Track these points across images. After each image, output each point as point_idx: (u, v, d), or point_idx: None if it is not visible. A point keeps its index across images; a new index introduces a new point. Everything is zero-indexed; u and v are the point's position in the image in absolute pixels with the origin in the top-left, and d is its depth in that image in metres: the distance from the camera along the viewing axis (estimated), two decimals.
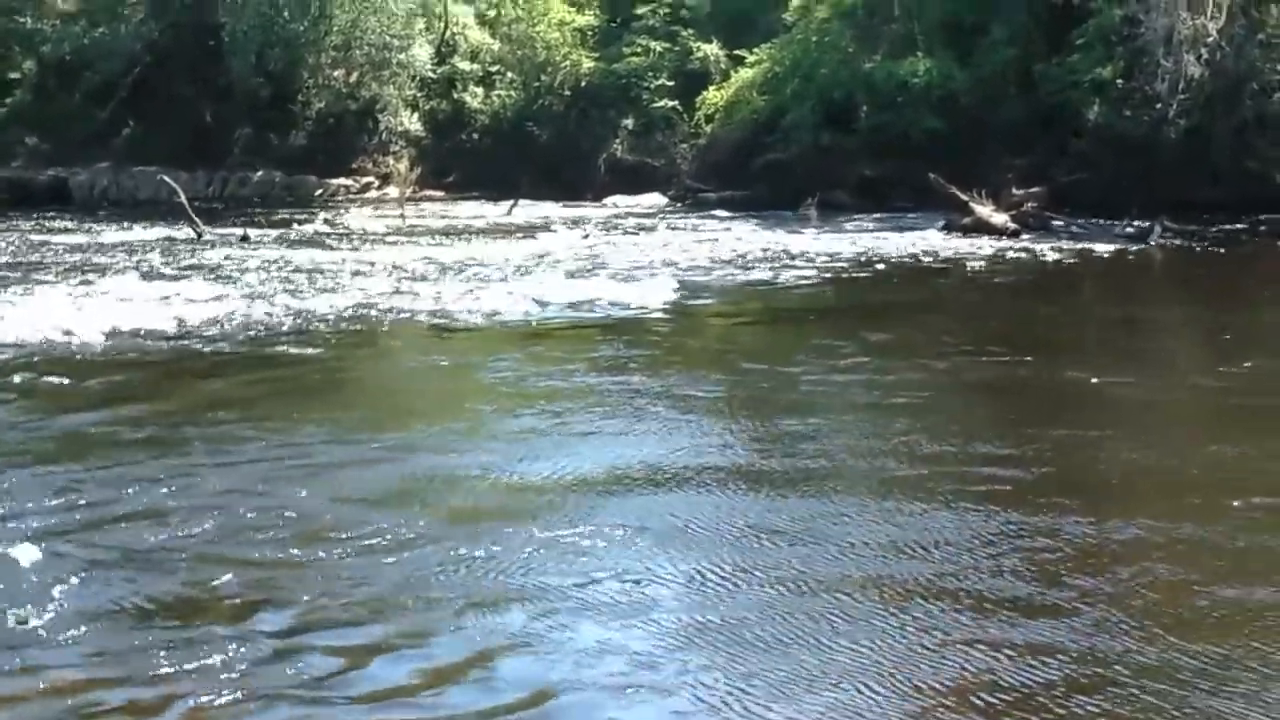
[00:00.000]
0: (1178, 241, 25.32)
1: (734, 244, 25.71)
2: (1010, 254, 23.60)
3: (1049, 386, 11.80)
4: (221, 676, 5.53)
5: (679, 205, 38.36)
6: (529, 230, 29.38)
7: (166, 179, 33.77)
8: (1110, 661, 5.61)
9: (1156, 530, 7.31)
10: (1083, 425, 9.97)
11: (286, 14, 41.47)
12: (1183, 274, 22.12)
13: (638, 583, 6.63)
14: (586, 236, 27.68)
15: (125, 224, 30.08)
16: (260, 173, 40.91)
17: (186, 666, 5.63)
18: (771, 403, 11.04)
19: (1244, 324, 16.05)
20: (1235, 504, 7.70)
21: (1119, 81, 31.39)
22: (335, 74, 43.49)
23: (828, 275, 20.53)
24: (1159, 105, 30.52)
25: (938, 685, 5.45)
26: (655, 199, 39.28)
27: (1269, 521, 7.43)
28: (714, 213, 34.95)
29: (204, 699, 5.36)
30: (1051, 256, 23.19)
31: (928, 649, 5.78)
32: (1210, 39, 30.22)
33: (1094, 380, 11.76)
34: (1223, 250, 24.20)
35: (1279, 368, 12.78)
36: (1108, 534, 7.25)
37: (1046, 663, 5.61)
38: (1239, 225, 27.41)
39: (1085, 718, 5.17)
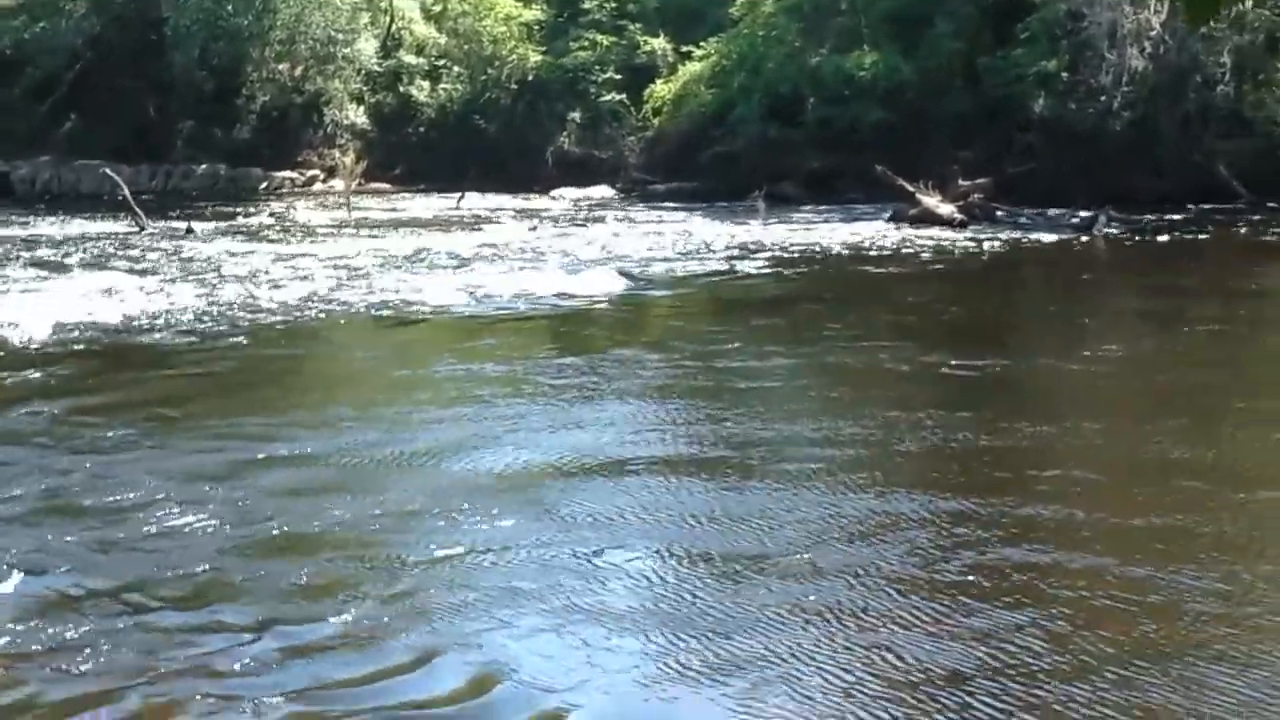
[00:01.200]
0: (1122, 231, 25.47)
1: (682, 236, 25.70)
2: (956, 244, 23.69)
3: (976, 375, 11.93)
4: (159, 670, 5.47)
5: (627, 197, 38.31)
6: (476, 223, 29.27)
7: (109, 172, 33.43)
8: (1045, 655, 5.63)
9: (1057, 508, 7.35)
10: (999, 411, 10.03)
11: (230, 7, 41.11)
12: (1121, 264, 22.26)
13: (581, 571, 6.61)
14: (534, 229, 27.60)
15: (68, 218, 29.74)
16: (204, 166, 40.57)
17: (124, 660, 5.57)
18: (715, 392, 11.05)
19: (1152, 310, 16.25)
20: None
21: (1064, 74, 31.54)
22: (280, 67, 43.17)
23: (774, 267, 20.54)
24: (1103, 97, 30.70)
25: (879, 669, 5.46)
26: (603, 191, 39.24)
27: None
28: (662, 205, 34.95)
29: (142, 692, 5.30)
30: (996, 247, 23.32)
31: (863, 631, 5.79)
32: (1153, 32, 30.46)
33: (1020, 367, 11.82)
34: (1166, 240, 24.37)
35: (1153, 351, 13.11)
36: (1032, 517, 7.29)
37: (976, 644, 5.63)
38: (1183, 215, 27.62)
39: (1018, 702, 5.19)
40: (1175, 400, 10.71)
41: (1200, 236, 24.98)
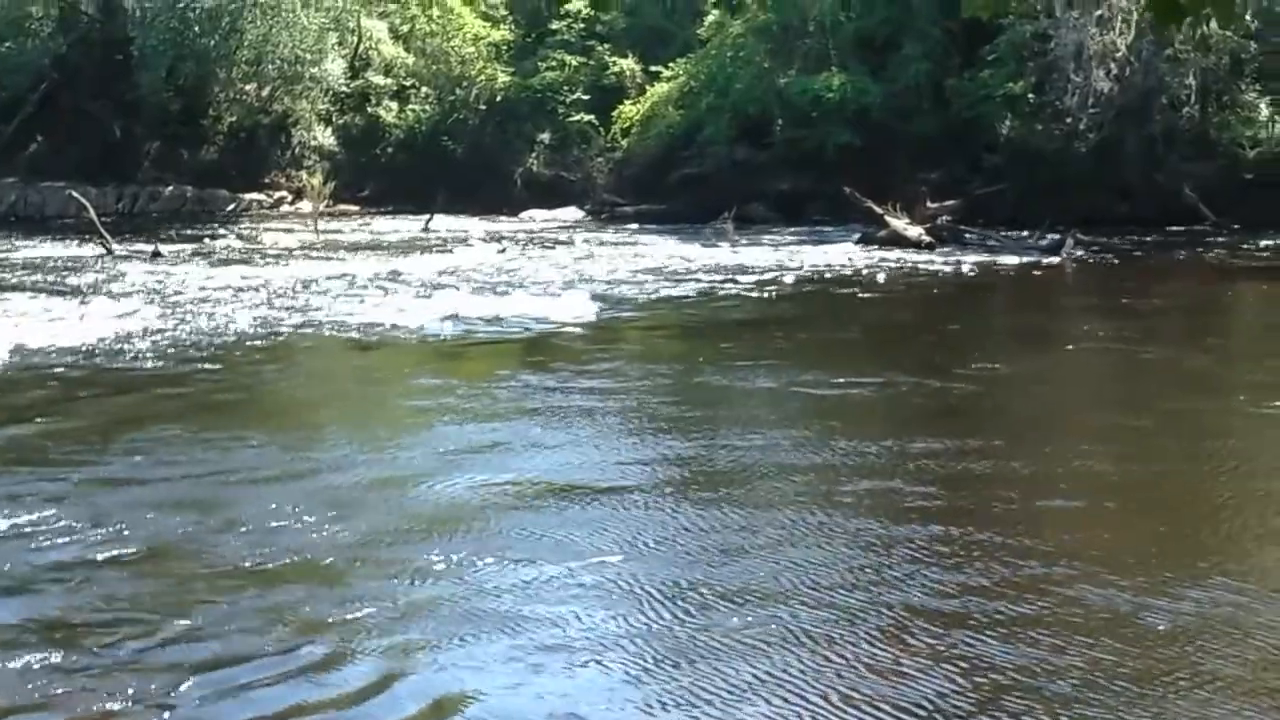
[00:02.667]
0: (1089, 254, 25.59)
1: (651, 258, 25.70)
2: (923, 267, 23.75)
3: (939, 397, 12.00)
4: (112, 703, 5.41)
5: (596, 219, 38.32)
6: (445, 245, 29.21)
7: (75, 194, 33.19)
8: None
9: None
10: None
11: (197, 28, 40.99)
12: (1086, 287, 22.41)
13: (545, 597, 6.56)
14: (503, 251, 27.55)
15: (33, 240, 29.56)
16: (171, 187, 40.38)
17: (87, 685, 5.52)
18: (683, 417, 11.03)
19: (1096, 332, 16.40)
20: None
21: (1030, 96, 31.75)
22: (247, 88, 43.05)
23: (743, 290, 20.54)
24: (1070, 119, 30.92)
25: (856, 694, 5.43)
26: (572, 213, 39.24)
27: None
28: (631, 227, 34.97)
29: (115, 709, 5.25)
30: (963, 270, 23.38)
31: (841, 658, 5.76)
32: (1119, 54, 30.68)
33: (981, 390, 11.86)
34: (1131, 263, 24.53)
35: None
36: (1014, 546, 7.29)
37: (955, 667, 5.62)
38: (1149, 238, 27.77)
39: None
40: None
41: (1172, 257, 25.14)
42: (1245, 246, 26.45)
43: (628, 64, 43.17)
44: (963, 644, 5.91)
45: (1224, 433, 10.54)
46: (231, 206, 40.72)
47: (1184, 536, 7.64)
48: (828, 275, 22.58)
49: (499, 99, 43.59)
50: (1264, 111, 30.95)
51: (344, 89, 43.93)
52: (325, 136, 43.57)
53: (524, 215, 38.67)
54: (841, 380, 12.46)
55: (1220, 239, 27.74)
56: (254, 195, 41.71)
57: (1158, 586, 6.57)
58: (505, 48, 44.95)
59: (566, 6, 44.19)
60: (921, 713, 5.32)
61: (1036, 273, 23.39)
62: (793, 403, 11.62)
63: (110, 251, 26.54)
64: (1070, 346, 15.61)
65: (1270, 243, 26.82)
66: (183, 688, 5.55)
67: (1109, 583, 6.62)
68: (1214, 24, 28.25)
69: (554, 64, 43.68)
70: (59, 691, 5.51)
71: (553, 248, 28.63)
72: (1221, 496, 8.60)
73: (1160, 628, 6.07)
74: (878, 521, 7.76)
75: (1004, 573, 6.81)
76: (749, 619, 6.23)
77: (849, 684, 5.55)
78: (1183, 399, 11.98)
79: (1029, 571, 6.85)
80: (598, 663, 5.79)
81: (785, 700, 5.40)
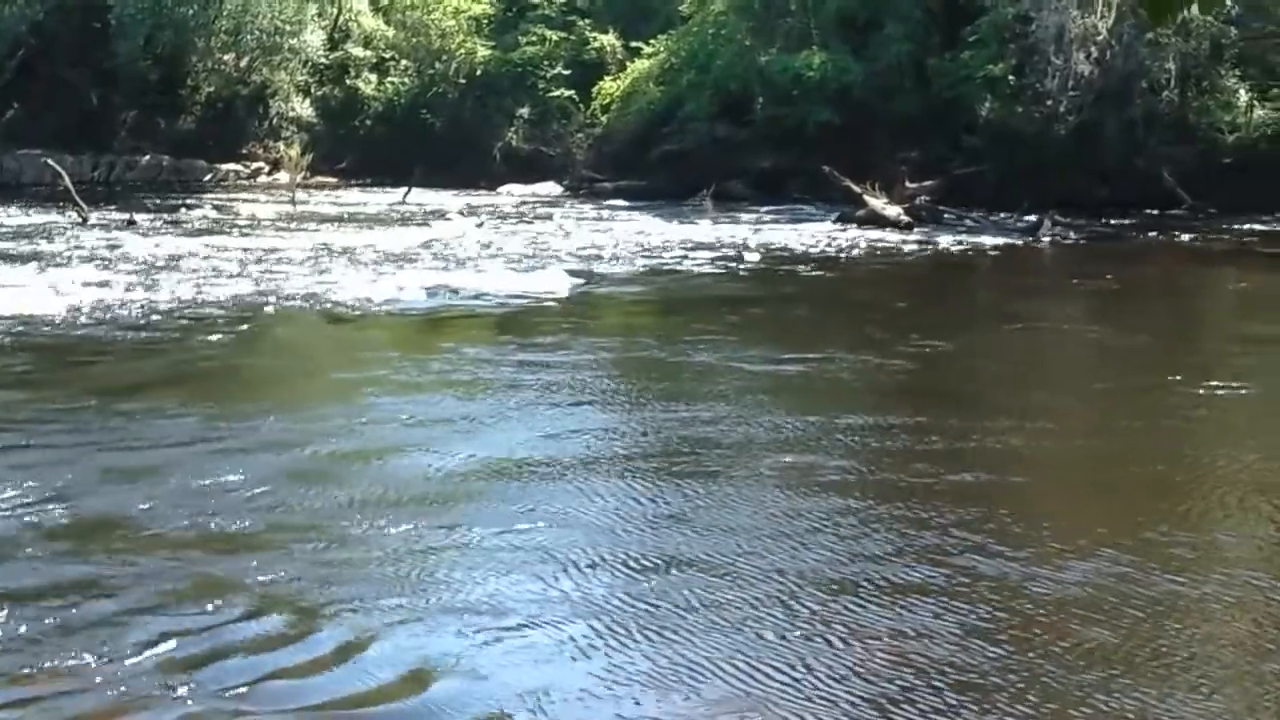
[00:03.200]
0: (1066, 236, 25.63)
1: (629, 234, 25.66)
2: (898, 247, 23.76)
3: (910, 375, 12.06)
4: (88, 669, 5.37)
5: (575, 195, 38.24)
6: (423, 218, 29.13)
7: (51, 162, 32.99)
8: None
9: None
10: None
11: None
12: (1054, 268, 22.51)
13: (525, 572, 6.55)
14: (481, 225, 27.48)
15: (7, 207, 29.36)
16: (148, 156, 40.16)
17: (66, 654, 5.48)
18: (661, 391, 11.03)
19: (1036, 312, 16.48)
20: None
21: (1011, 78, 31.72)
22: (225, 58, 42.76)
23: (721, 267, 20.54)
24: (1050, 102, 30.91)
25: (826, 670, 5.43)
26: (551, 188, 39.15)
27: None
28: (610, 203, 34.90)
29: (79, 684, 5.23)
30: (937, 250, 23.40)
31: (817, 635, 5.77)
32: (1100, 37, 30.67)
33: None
34: (1106, 245, 24.60)
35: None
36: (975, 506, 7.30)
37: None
38: (1127, 220, 27.83)
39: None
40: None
41: (1147, 240, 25.24)
42: (1221, 230, 26.53)
43: (609, 40, 43.06)
44: (846, 610, 6.06)
45: (1145, 412, 10.63)
46: (208, 177, 40.53)
47: (1080, 511, 7.83)
48: (801, 254, 22.57)
49: (479, 73, 43.45)
50: (1243, 97, 30.99)
51: (323, 61, 43.72)
52: (304, 108, 43.37)
53: (502, 190, 38.57)
54: (782, 357, 12.63)
55: (1197, 222, 27.81)
56: (231, 166, 41.53)
57: (1047, 558, 6.75)
58: (485, 21, 44.79)
59: None
60: (798, 674, 5.40)
61: (1011, 254, 23.46)
62: (730, 378, 11.63)
63: (85, 220, 26.40)
64: (1019, 326, 15.65)
65: (1246, 226, 26.91)
66: (155, 653, 5.53)
67: (1000, 553, 6.80)
68: (1195, 9, 28.33)
69: (534, 39, 43.54)
70: (30, 649, 5.50)
71: (531, 223, 28.57)
72: (1124, 474, 8.79)
73: (1045, 596, 6.24)
74: (784, 494, 7.86)
75: (899, 543, 6.97)
76: (742, 595, 6.25)
77: (731, 647, 5.62)
78: (1115, 378, 12.21)
79: (923, 542, 7.00)
80: (582, 637, 5.79)
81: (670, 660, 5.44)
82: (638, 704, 5.19)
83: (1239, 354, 13.78)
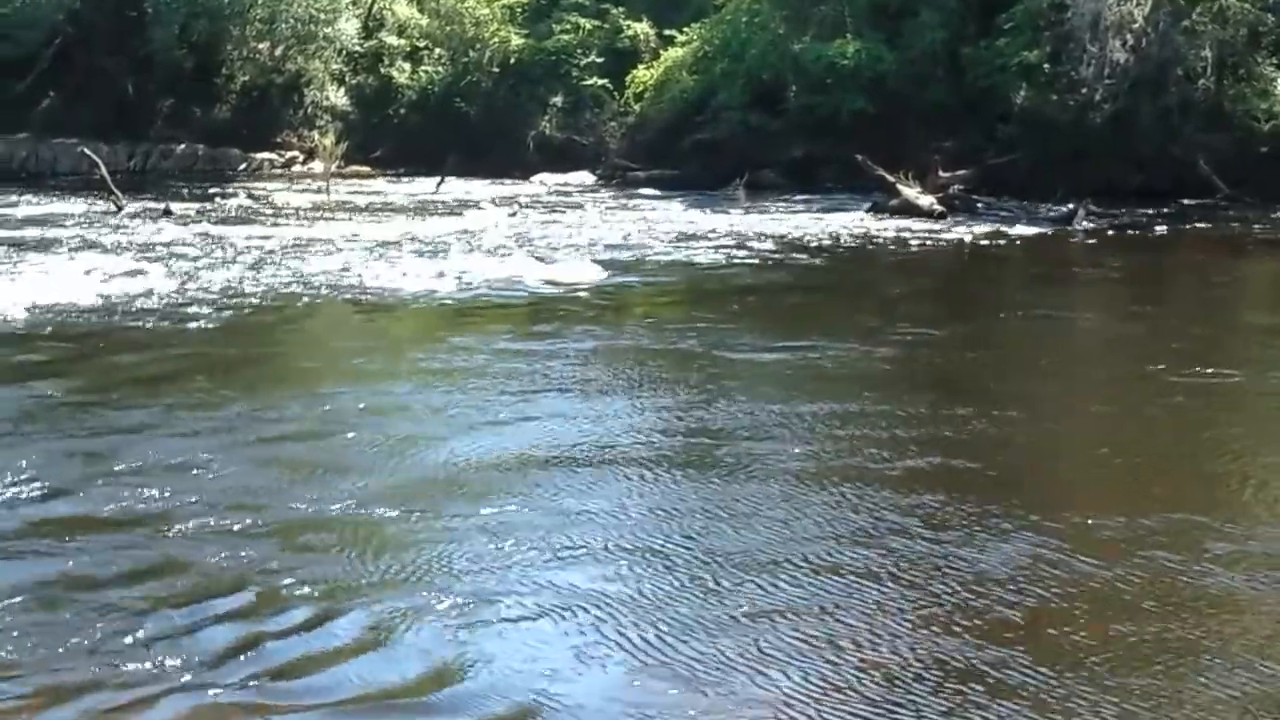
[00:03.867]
0: (1102, 225, 25.49)
1: (662, 223, 25.65)
2: (935, 237, 23.68)
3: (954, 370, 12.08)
4: (108, 658, 5.43)
5: (608, 184, 38.20)
6: (456, 207, 29.17)
7: (87, 151, 33.22)
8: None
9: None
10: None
11: None
12: (1081, 258, 22.37)
13: (556, 562, 6.57)
14: (514, 214, 27.51)
15: (44, 197, 29.55)
16: (183, 145, 40.34)
17: (87, 644, 5.53)
18: (692, 384, 11.00)
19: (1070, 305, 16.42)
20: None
21: (1046, 66, 31.53)
22: (260, 47, 42.91)
23: (753, 256, 20.51)
24: (1085, 90, 30.71)
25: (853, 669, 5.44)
26: (584, 177, 39.12)
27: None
28: (642, 192, 34.86)
29: (91, 681, 5.27)
30: (975, 239, 23.30)
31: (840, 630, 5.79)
32: (1136, 25, 30.47)
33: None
34: (1139, 234, 24.48)
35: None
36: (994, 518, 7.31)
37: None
38: (1162, 210, 27.66)
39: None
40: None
41: (1182, 229, 25.13)
42: (1258, 219, 26.33)
43: (642, 28, 43.01)
44: (765, 588, 6.24)
45: (1114, 398, 10.86)
46: (243, 166, 40.71)
47: (1011, 494, 7.87)
48: (832, 244, 22.50)
49: (512, 61, 43.45)
50: (1279, 85, 30.77)
51: (357, 49, 43.80)
52: (338, 97, 43.47)
53: (535, 179, 38.56)
54: (772, 345, 12.72)
55: (1233, 211, 27.61)
56: (266, 155, 41.69)
57: (971, 538, 6.97)
58: (519, 10, 44.79)
59: None
60: (821, 667, 5.44)
61: (1044, 243, 23.33)
62: (753, 369, 11.74)
63: (121, 209, 26.57)
64: (1020, 314, 15.76)
65: None
66: (176, 642, 5.58)
67: (926, 536, 6.99)
68: None
69: (568, 27, 43.52)
70: (54, 640, 5.55)
71: (563, 212, 28.58)
72: (1064, 460, 9.05)
73: (967, 574, 6.46)
74: (739, 483, 7.93)
75: (831, 527, 7.12)
76: (766, 590, 6.27)
77: (747, 640, 5.66)
78: (1099, 366, 12.42)
79: (856, 524, 7.20)
80: (611, 630, 5.81)
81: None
82: (656, 695, 5.21)
83: (1240, 344, 13.65)
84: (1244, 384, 11.32)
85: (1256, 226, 25.47)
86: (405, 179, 38.17)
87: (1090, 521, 7.22)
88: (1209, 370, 11.45)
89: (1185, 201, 28.72)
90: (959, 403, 10.15)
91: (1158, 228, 25.41)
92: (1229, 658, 5.52)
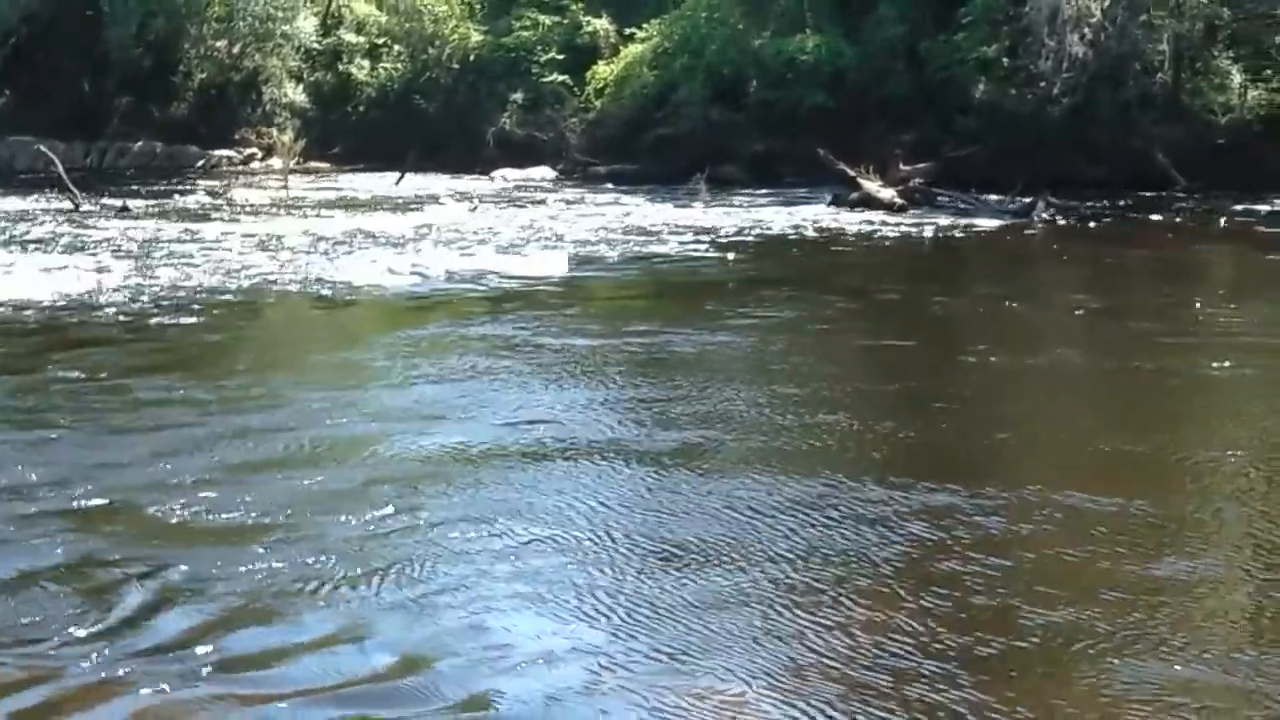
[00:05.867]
0: (1060, 217, 25.61)
1: (623, 218, 25.62)
2: (894, 229, 23.73)
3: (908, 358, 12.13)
4: (83, 647, 5.39)
5: (569, 179, 38.16)
6: (416, 203, 29.07)
7: (43, 149, 32.91)
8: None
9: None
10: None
11: None
12: (1033, 248, 22.59)
13: (520, 554, 6.55)
14: (475, 209, 27.44)
15: (1, 195, 29.29)
16: (140, 143, 40.14)
17: (47, 637, 5.49)
18: (654, 375, 11.01)
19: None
20: None
21: (1004, 59, 31.68)
22: (218, 44, 42.73)
23: (715, 250, 20.51)
24: (1043, 83, 30.87)
25: (824, 656, 5.45)
26: (545, 173, 39.05)
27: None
28: (603, 187, 34.82)
29: (60, 665, 5.25)
30: (934, 232, 23.35)
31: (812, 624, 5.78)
32: (1094, 19, 30.63)
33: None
34: (1097, 225, 24.62)
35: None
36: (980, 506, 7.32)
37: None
38: (1121, 201, 27.81)
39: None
40: None
41: (1139, 220, 25.25)
42: (1213, 211, 26.49)
43: (602, 24, 42.92)
44: (724, 576, 6.28)
45: (1009, 377, 11.23)
46: (201, 163, 40.52)
47: (925, 454, 8.35)
48: (794, 237, 22.55)
49: (472, 58, 43.34)
50: (1236, 78, 30.92)
51: (315, 46, 43.68)
52: (296, 94, 43.32)
53: (496, 174, 38.45)
54: (734, 337, 12.83)
55: (1189, 204, 27.79)
56: (224, 152, 41.52)
57: (892, 493, 7.45)
58: (479, 6, 44.69)
59: None
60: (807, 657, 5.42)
61: (1003, 235, 23.41)
62: (715, 359, 11.76)
63: (78, 206, 26.39)
64: (992, 303, 15.83)
65: (1240, 207, 26.89)
66: (144, 634, 5.56)
67: (850, 487, 7.54)
68: None
69: (528, 23, 43.39)
70: (10, 634, 5.50)
71: (524, 207, 28.51)
72: (972, 428, 9.33)
73: (888, 523, 6.98)
74: (696, 473, 7.97)
75: (787, 514, 7.19)
76: (727, 580, 6.28)
77: (724, 630, 5.67)
78: (995, 352, 12.27)
79: (810, 508, 7.32)
80: (569, 622, 5.79)
81: None
82: (617, 683, 5.20)
83: (1172, 333, 13.64)
84: (1159, 372, 11.41)
85: (1211, 218, 25.61)
86: (365, 175, 38.01)
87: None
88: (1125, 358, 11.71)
89: (1143, 194, 28.89)
90: (915, 394, 10.24)
91: (1116, 219, 25.54)
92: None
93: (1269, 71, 30.76)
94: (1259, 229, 23.95)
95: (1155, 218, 25.71)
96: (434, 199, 29.92)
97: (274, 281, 16.27)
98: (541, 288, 16.30)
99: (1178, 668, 5.27)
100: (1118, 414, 10.00)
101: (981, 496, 7.39)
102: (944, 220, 25.12)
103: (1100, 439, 8.97)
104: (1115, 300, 16.04)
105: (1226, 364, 11.39)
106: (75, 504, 7.18)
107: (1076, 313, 15.05)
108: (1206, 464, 8.28)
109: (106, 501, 7.23)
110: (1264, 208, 26.72)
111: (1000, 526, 6.92)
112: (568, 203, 29.65)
